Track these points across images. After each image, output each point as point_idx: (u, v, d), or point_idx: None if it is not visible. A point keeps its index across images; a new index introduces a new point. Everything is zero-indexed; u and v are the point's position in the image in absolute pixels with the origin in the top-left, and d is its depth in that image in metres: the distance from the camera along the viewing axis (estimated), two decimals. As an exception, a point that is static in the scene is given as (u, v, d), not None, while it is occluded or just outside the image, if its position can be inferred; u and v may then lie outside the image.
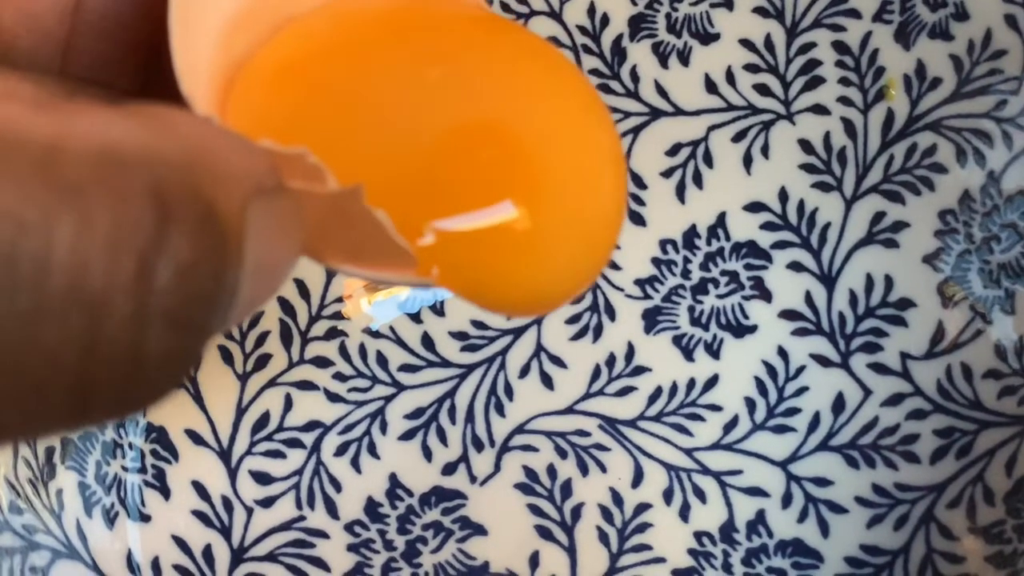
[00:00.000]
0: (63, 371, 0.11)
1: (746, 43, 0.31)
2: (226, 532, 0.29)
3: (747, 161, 0.32)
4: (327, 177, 0.13)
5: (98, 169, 0.11)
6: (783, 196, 0.32)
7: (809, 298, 0.32)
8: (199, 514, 0.29)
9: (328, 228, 0.14)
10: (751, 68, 0.31)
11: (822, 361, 0.32)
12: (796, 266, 0.32)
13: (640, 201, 0.32)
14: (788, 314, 0.32)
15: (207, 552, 0.28)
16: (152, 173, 0.11)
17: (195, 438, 0.29)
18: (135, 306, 0.11)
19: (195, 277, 0.12)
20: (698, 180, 0.32)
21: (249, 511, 0.29)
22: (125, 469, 0.28)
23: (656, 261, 0.33)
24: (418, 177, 0.16)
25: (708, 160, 0.32)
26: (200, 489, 0.29)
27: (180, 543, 0.28)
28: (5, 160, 0.11)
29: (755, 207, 0.32)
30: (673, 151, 0.32)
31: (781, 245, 0.32)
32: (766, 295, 0.32)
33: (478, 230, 0.16)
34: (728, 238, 0.32)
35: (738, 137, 0.32)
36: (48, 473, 0.25)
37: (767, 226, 0.32)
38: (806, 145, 0.32)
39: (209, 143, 0.12)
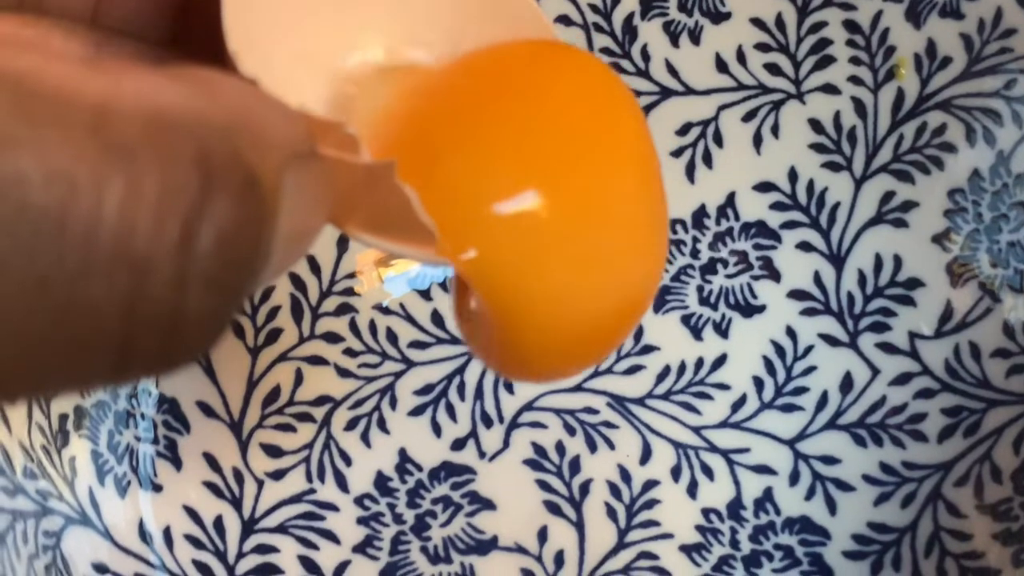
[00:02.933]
0: (106, 330, 0.11)
1: (757, 22, 0.31)
2: (237, 503, 0.29)
3: (757, 141, 0.32)
4: (361, 148, 0.14)
5: (147, 132, 0.11)
6: (793, 176, 0.32)
7: (818, 278, 0.32)
8: (210, 485, 0.29)
9: (354, 198, 0.15)
10: (762, 47, 0.31)
11: (830, 341, 0.32)
12: (805, 246, 0.32)
13: (650, 181, 0.33)
14: (797, 294, 0.32)
15: (218, 523, 0.28)
16: (197, 137, 0.12)
17: (207, 410, 0.29)
18: (177, 269, 0.12)
19: (235, 242, 0.12)
20: (708, 160, 0.32)
21: (260, 483, 0.29)
22: (138, 439, 0.28)
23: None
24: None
25: (718, 140, 0.32)
26: (211, 461, 0.29)
27: (191, 513, 0.28)
28: (60, 120, 0.11)
29: (765, 187, 0.32)
30: (683, 130, 0.32)
31: (790, 225, 0.32)
32: (775, 275, 0.32)
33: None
34: (737, 218, 0.32)
35: (748, 117, 0.32)
36: (61, 440, 0.26)
37: (776, 206, 0.32)
38: (816, 125, 0.32)
39: (251, 107, 0.12)
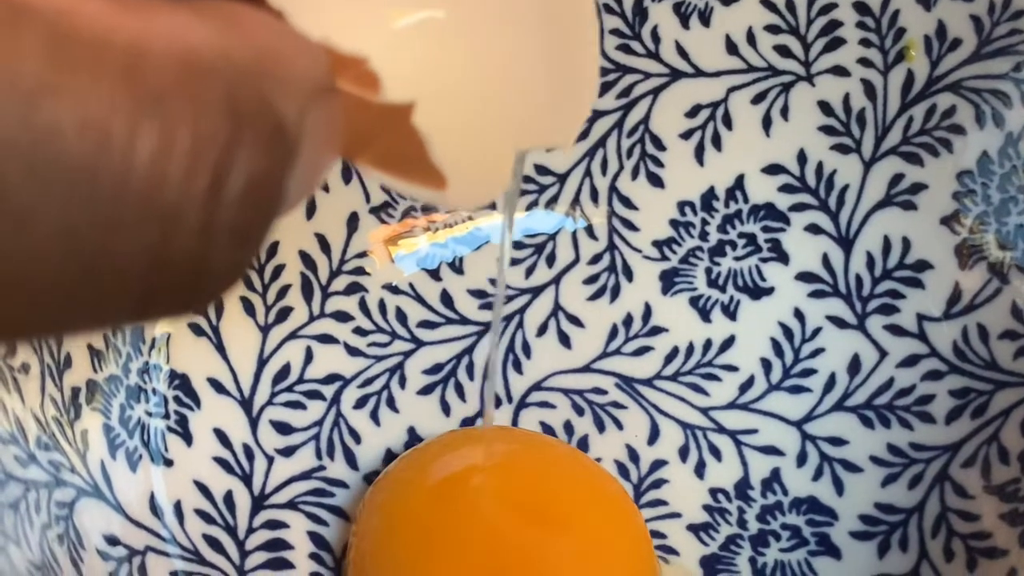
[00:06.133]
0: (130, 279, 0.12)
1: (767, 4, 0.31)
2: (247, 479, 0.29)
3: (766, 123, 0.32)
4: (383, 85, 0.14)
5: (179, 77, 0.11)
6: (802, 158, 0.32)
7: (826, 260, 0.32)
8: (221, 461, 0.29)
9: (369, 133, 0.15)
10: (772, 29, 0.31)
11: (838, 323, 0.32)
12: (814, 228, 0.32)
13: (659, 163, 0.33)
14: (805, 276, 0.32)
15: (228, 498, 0.29)
16: (227, 81, 0.11)
17: (217, 387, 0.30)
18: (204, 219, 0.11)
19: (260, 189, 0.12)
20: (717, 142, 0.32)
21: (270, 459, 0.29)
22: (149, 414, 0.28)
23: (674, 223, 0.33)
24: None
25: (727, 122, 0.32)
26: (222, 436, 0.29)
27: (202, 488, 0.28)
28: (95, 66, 0.11)
29: (774, 169, 0.32)
30: (692, 112, 0.32)
31: (799, 207, 0.32)
32: (783, 257, 0.33)
33: None
34: (746, 200, 0.33)
35: (758, 99, 0.32)
36: (74, 413, 0.26)
37: (785, 188, 0.32)
38: (825, 107, 0.32)
39: (277, 44, 0.12)
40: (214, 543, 0.28)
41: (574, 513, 0.29)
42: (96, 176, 0.11)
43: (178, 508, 0.28)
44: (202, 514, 0.28)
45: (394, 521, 0.28)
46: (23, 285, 0.11)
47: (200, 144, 0.11)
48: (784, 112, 0.32)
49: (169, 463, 0.28)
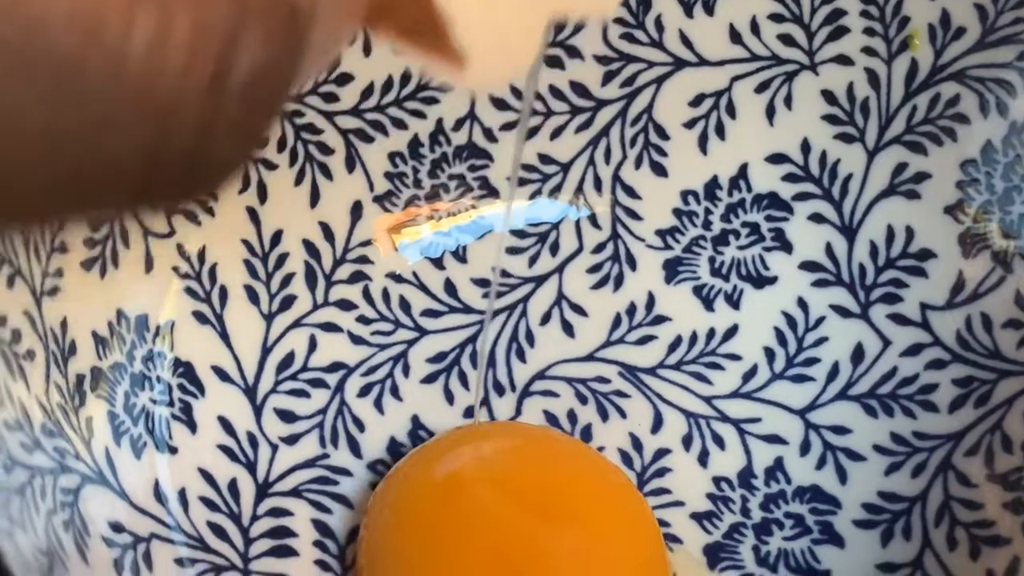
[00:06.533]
0: (125, 176, 0.11)
1: (771, -8, 0.31)
2: (251, 467, 0.29)
3: (770, 112, 0.32)
4: None
5: None
6: (805, 147, 0.32)
7: (830, 249, 0.32)
8: (225, 448, 0.29)
9: (392, 4, 0.14)
10: (776, 18, 0.31)
11: (842, 312, 0.32)
12: (817, 218, 0.32)
13: (662, 152, 0.33)
14: (808, 265, 0.32)
15: (232, 486, 0.29)
16: None
17: (221, 375, 0.30)
18: (203, 114, 0.11)
19: (266, 81, 0.11)
20: (720, 131, 0.32)
21: (274, 447, 0.30)
22: (153, 402, 0.28)
23: (677, 212, 0.33)
24: None
25: (731, 111, 0.32)
26: (226, 424, 0.29)
27: (206, 476, 0.28)
28: None
29: (777, 158, 0.32)
30: (696, 102, 0.32)
31: (802, 197, 0.32)
32: (787, 246, 0.33)
33: None
34: (750, 189, 0.33)
35: (761, 88, 0.32)
36: (79, 400, 0.26)
37: (789, 177, 0.32)
38: (829, 96, 0.32)
39: None
40: (218, 530, 0.28)
41: (582, 506, 0.29)
42: (86, 71, 0.10)
43: (182, 495, 0.28)
44: (206, 501, 0.28)
45: (402, 517, 0.28)
46: (9, 185, 0.10)
47: (201, 33, 0.10)
48: (788, 101, 0.32)
49: (173, 451, 0.28)
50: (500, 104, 0.32)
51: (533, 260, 0.33)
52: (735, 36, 0.32)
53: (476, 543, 0.27)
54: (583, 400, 0.32)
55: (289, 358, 0.31)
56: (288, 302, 0.31)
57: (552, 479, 0.29)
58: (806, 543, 0.30)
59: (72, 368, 0.26)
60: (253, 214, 0.31)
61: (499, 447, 0.30)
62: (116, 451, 0.26)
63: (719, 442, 0.31)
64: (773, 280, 0.33)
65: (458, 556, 0.27)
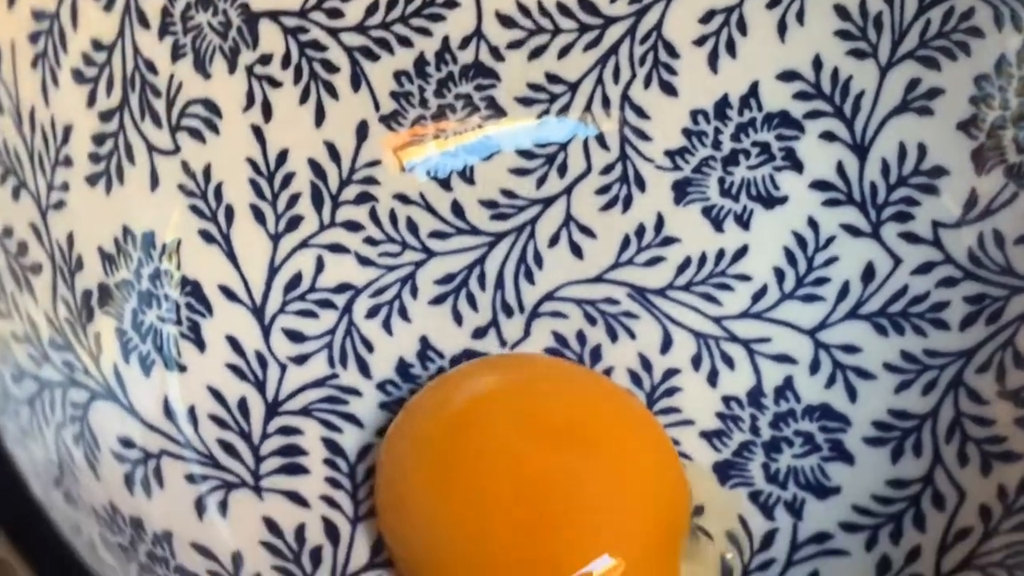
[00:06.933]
0: None
1: (783, -96, 0.31)
2: (260, 386, 0.29)
3: (781, 28, 0.32)
4: None
5: None
6: (817, 64, 0.32)
7: (841, 168, 0.32)
8: (234, 367, 0.29)
9: None
10: (787, -70, 0.31)
11: (852, 231, 0.32)
12: (828, 136, 0.32)
13: (672, 71, 0.32)
14: (819, 185, 0.32)
15: (242, 404, 0.29)
16: None
17: (228, 294, 0.29)
18: None
19: None
20: (731, 48, 0.32)
21: (283, 367, 0.29)
22: (161, 320, 0.28)
23: (687, 132, 0.33)
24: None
25: (742, 27, 0.32)
26: (234, 344, 0.29)
27: (215, 394, 0.28)
28: None
29: (788, 76, 0.32)
30: (706, 18, 0.32)
31: (814, 115, 0.32)
32: (797, 166, 0.32)
33: None
34: (760, 108, 0.32)
35: (773, 3, 0.32)
36: (86, 316, 0.26)
37: (800, 95, 0.32)
38: (842, 11, 0.31)
39: None
40: (229, 448, 0.28)
41: (600, 433, 0.29)
42: None
43: (192, 413, 0.28)
44: (216, 420, 0.28)
45: (419, 448, 0.28)
46: None
47: None
48: (800, 17, 0.31)
49: (183, 369, 0.28)
50: (507, 22, 0.32)
51: (541, 181, 0.33)
52: (746, -50, 0.31)
53: (493, 471, 0.27)
54: (592, 321, 0.32)
55: (296, 279, 0.30)
56: (295, 222, 0.31)
57: (569, 409, 0.29)
58: (816, 460, 0.30)
59: (79, 283, 0.25)
60: (258, 132, 0.30)
61: (515, 378, 0.30)
62: (125, 368, 0.26)
63: (728, 362, 0.31)
64: (783, 200, 0.32)
65: (476, 485, 0.27)
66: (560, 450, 0.28)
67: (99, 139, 0.27)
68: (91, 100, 0.27)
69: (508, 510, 0.27)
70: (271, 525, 0.27)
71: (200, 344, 0.29)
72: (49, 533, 0.18)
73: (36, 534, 0.17)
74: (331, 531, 0.27)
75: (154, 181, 0.29)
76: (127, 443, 0.26)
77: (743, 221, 0.32)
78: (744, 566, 0.28)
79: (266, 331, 0.30)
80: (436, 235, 0.32)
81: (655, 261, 0.32)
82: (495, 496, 0.27)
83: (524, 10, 0.32)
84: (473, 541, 0.27)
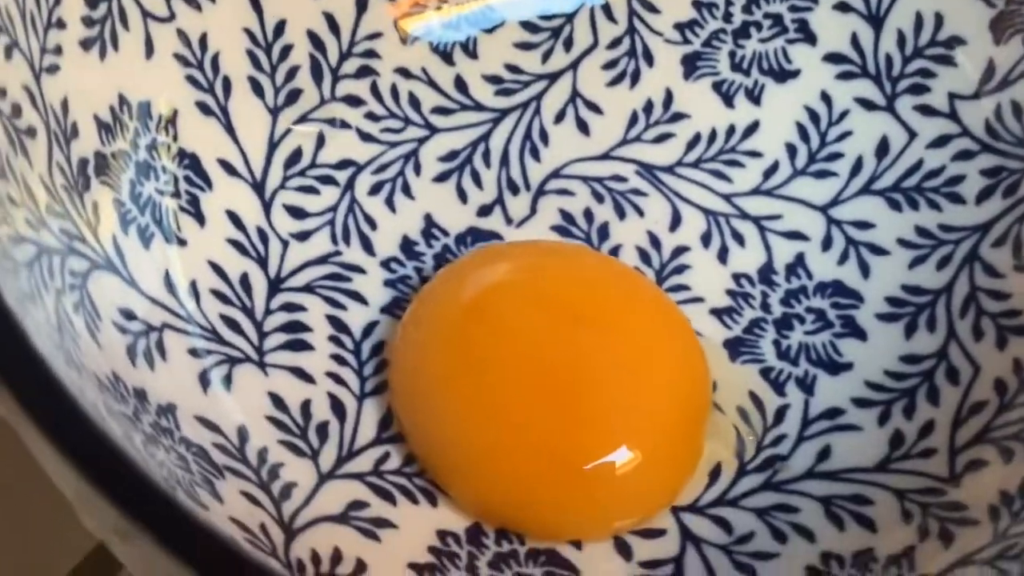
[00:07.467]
0: None
1: None
2: (262, 262, 0.28)
3: None
4: None
5: None
6: (831, -69, 0.31)
7: (855, 40, 0.31)
8: (235, 243, 0.28)
9: None
10: None
11: (867, 104, 0.31)
12: (842, 7, 0.31)
13: (681, -61, 0.31)
14: (833, 57, 0.31)
15: (244, 280, 0.28)
16: None
17: (228, 168, 0.29)
18: None
19: None
20: (743, -85, 0.31)
21: (285, 243, 0.29)
22: (160, 192, 0.27)
23: (697, 3, 0.32)
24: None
25: None
26: (235, 219, 0.28)
27: (217, 269, 0.28)
28: None
29: (802, -56, 0.31)
30: None
31: (828, -16, 0.31)
32: (810, 38, 0.31)
33: None
34: (773, -22, 0.31)
35: None
36: (83, 184, 0.25)
37: (813, -36, 0.31)
38: None
39: None
40: (231, 323, 0.27)
41: (615, 312, 0.28)
42: None
43: (193, 287, 0.27)
44: (218, 295, 0.27)
45: (433, 333, 0.27)
46: None
47: None
48: None
49: (183, 243, 0.27)
50: None
51: (546, 56, 0.32)
52: None
53: (510, 357, 0.27)
54: (599, 199, 0.31)
55: (297, 154, 0.30)
56: (294, 96, 0.30)
57: (583, 290, 0.29)
58: (828, 337, 0.30)
59: (75, 150, 0.25)
60: (255, 1, 0.29)
61: (528, 264, 0.29)
62: (124, 239, 0.26)
63: (739, 239, 0.31)
64: (796, 74, 0.31)
65: (492, 370, 0.27)
66: (578, 335, 0.27)
67: (92, 1, 0.26)
68: (82, -39, 0.26)
69: (527, 395, 0.26)
70: (276, 400, 0.27)
71: (200, 218, 0.28)
72: (55, 390, 0.17)
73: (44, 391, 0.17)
74: (337, 407, 0.27)
75: (149, 48, 0.28)
76: (128, 315, 0.25)
77: (754, 96, 0.32)
78: (757, 441, 0.28)
79: (267, 206, 0.29)
80: (439, 111, 0.31)
81: (664, 138, 0.32)
82: (513, 381, 0.27)
83: None
84: (490, 426, 0.26)
